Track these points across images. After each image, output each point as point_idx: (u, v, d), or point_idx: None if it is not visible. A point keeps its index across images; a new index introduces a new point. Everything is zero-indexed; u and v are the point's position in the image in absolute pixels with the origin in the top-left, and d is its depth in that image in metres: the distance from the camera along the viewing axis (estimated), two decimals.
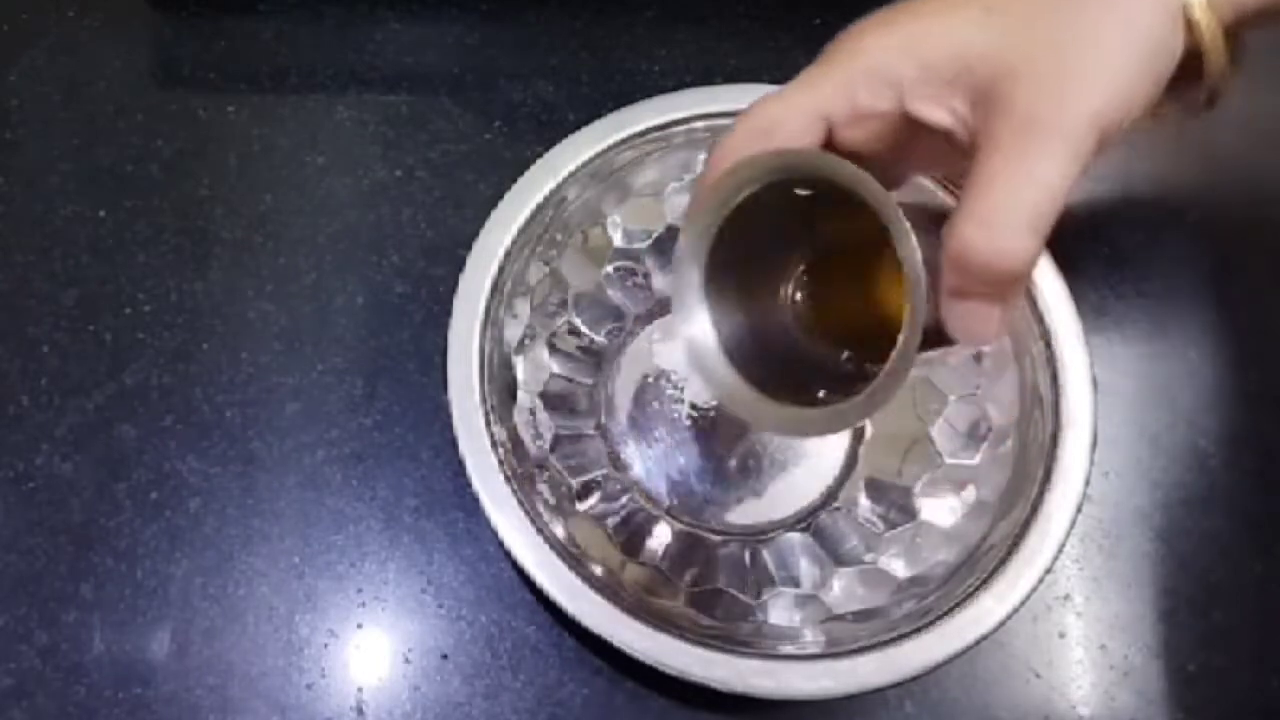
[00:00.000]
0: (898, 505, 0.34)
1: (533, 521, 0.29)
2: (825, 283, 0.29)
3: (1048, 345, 0.32)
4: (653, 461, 0.36)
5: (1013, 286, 0.22)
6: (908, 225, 0.21)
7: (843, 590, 0.33)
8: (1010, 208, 0.21)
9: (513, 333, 0.34)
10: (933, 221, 0.22)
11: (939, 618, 0.29)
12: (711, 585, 0.33)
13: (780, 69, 0.26)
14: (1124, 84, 0.22)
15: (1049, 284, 0.32)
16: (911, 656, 0.28)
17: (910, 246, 0.21)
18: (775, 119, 0.24)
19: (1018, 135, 0.22)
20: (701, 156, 0.36)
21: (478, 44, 0.43)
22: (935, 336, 0.23)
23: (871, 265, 0.26)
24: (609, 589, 0.29)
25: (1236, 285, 0.39)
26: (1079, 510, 0.30)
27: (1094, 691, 0.34)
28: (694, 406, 0.36)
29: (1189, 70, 0.24)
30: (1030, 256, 0.22)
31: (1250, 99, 0.41)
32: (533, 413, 0.34)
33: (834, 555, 0.33)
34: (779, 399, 0.25)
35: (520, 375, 0.34)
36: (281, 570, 0.35)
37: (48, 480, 0.36)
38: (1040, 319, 0.32)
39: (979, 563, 0.30)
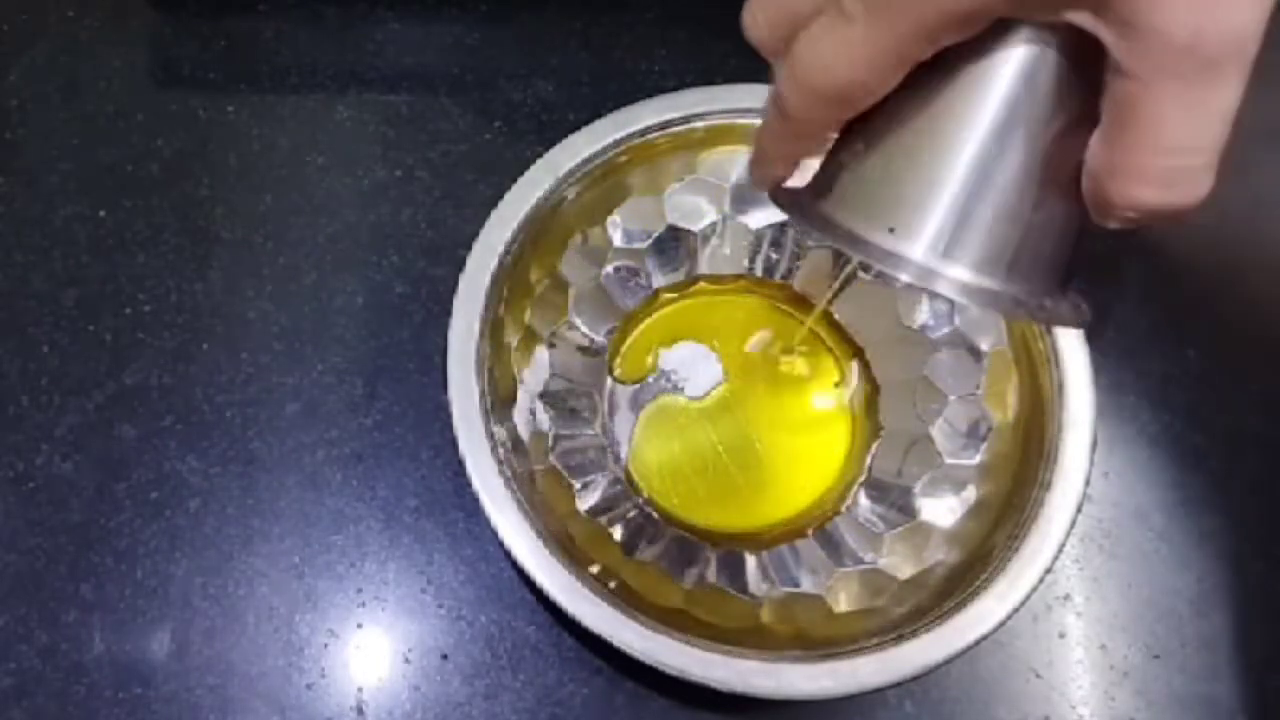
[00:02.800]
0: (898, 505, 0.34)
1: (532, 522, 0.29)
2: None
3: (1048, 345, 0.32)
4: None
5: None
6: None
7: (843, 591, 0.33)
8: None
9: (513, 333, 0.34)
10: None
11: (939, 618, 0.29)
12: (711, 585, 0.33)
13: None
14: None
15: None
16: (911, 656, 0.28)
17: None
18: (853, 82, 0.20)
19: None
20: (702, 156, 0.36)
21: (478, 44, 0.43)
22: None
23: None
24: (609, 589, 0.29)
25: (1237, 285, 0.39)
26: (1079, 510, 0.30)
27: (1094, 691, 0.34)
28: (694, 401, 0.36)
29: None
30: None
31: (1250, 99, 0.41)
32: (533, 413, 0.34)
33: (834, 555, 0.33)
34: None
35: (520, 375, 0.34)
36: (281, 570, 0.35)
37: (48, 480, 0.36)
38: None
39: (979, 563, 0.30)
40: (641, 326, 0.38)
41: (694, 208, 0.37)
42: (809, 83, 0.21)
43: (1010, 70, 0.20)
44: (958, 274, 0.21)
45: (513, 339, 0.34)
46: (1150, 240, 0.40)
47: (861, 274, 0.35)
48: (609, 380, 0.37)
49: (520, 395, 0.33)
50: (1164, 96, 0.18)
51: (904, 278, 0.21)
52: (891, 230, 0.21)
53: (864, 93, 0.20)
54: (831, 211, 0.22)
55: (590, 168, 0.34)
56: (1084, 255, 0.22)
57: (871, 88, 0.20)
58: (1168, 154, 0.18)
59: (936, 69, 0.20)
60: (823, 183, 0.23)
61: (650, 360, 0.37)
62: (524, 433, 0.33)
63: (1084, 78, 0.19)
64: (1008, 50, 0.19)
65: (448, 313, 0.32)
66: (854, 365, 0.37)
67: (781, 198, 0.24)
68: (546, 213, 0.34)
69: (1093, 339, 0.32)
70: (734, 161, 0.36)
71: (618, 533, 0.33)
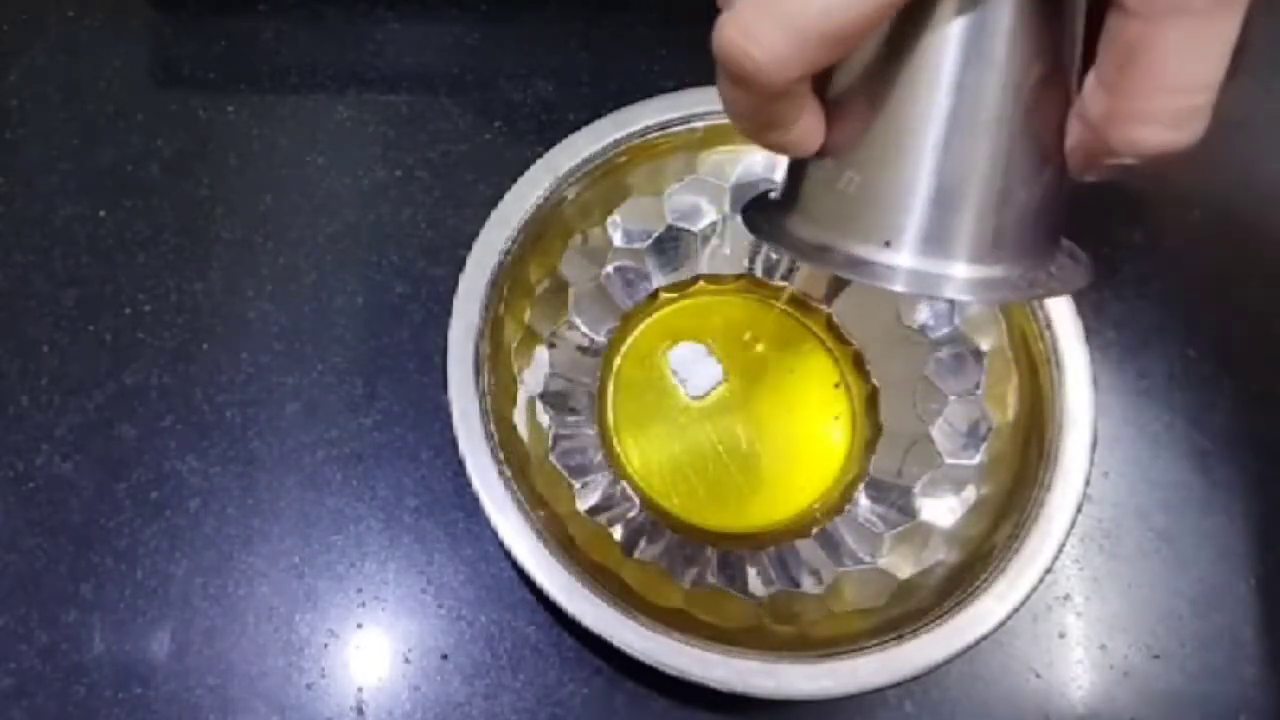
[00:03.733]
0: (898, 505, 0.34)
1: (532, 522, 0.29)
2: None
3: (1048, 345, 0.32)
4: None
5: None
6: None
7: (843, 591, 0.33)
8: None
9: (513, 333, 0.34)
10: None
11: (939, 618, 0.29)
12: (711, 585, 0.33)
13: None
14: None
15: None
16: (911, 656, 0.28)
17: None
18: (849, 19, 0.18)
19: None
20: (702, 156, 0.36)
21: (478, 44, 0.43)
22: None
23: None
24: (609, 589, 0.29)
25: (1237, 285, 0.39)
26: (1079, 510, 0.30)
27: (1094, 691, 0.34)
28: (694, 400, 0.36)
29: None
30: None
31: (1251, 99, 0.41)
32: (533, 413, 0.34)
33: (834, 556, 0.33)
34: None
35: (520, 375, 0.34)
36: (281, 570, 0.35)
37: (48, 480, 0.36)
38: (1040, 319, 0.32)
39: (979, 563, 0.30)
40: (641, 326, 0.38)
41: (694, 208, 0.37)
42: (796, 24, 0.18)
43: (966, 38, 0.19)
44: (958, 272, 0.20)
45: (513, 339, 0.34)
46: (1150, 240, 0.40)
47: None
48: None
49: (520, 395, 0.33)
50: (1174, 34, 0.17)
51: (900, 289, 0.20)
52: (888, 244, 0.20)
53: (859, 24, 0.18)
54: (820, 235, 0.22)
55: (590, 168, 0.34)
56: (1068, 211, 0.22)
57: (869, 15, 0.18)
58: (1179, 94, 0.18)
59: (891, 60, 0.19)
60: (800, 204, 0.22)
61: (658, 358, 0.37)
62: (524, 433, 0.33)
63: (1050, 31, 0.19)
64: (962, 17, 0.19)
65: (448, 313, 0.32)
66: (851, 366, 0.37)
67: (763, 227, 0.23)
68: (546, 213, 0.34)
69: (1092, 338, 0.32)
70: (734, 161, 0.36)
71: (618, 533, 0.33)
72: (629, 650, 0.28)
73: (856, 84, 0.20)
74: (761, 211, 0.24)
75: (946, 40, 0.19)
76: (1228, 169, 0.41)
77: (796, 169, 0.22)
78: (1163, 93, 0.18)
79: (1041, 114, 0.20)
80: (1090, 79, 0.19)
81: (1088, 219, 0.40)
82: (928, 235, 0.20)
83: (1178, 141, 0.18)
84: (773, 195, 0.24)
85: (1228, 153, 0.41)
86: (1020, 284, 0.21)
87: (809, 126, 0.21)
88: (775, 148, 0.21)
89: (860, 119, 0.20)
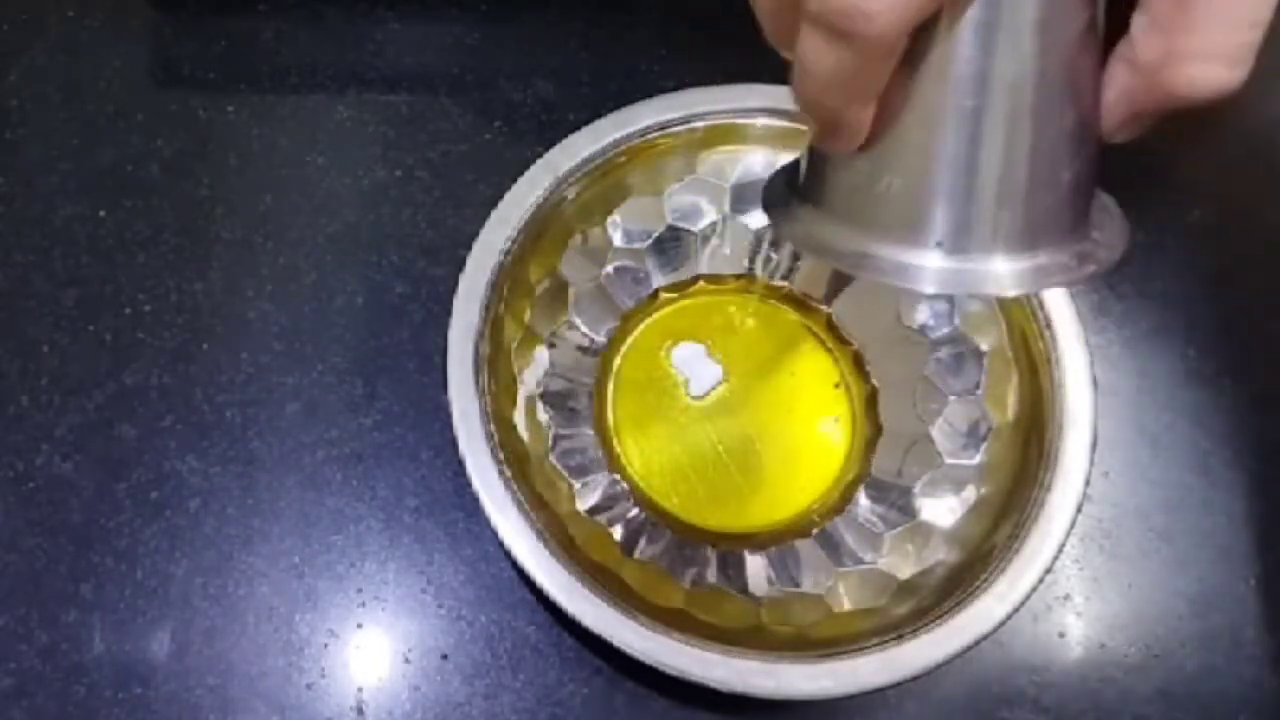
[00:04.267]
0: (898, 505, 0.34)
1: (532, 522, 0.29)
2: None
3: (1048, 345, 0.32)
4: None
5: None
6: None
7: (843, 591, 0.33)
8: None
9: (513, 333, 0.34)
10: None
11: (939, 618, 0.29)
12: (711, 585, 0.33)
13: (780, 69, 0.26)
14: None
15: None
16: (911, 656, 0.28)
17: None
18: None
19: None
20: (702, 156, 0.36)
21: (478, 44, 0.43)
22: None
23: None
24: (609, 589, 0.29)
25: (1237, 285, 0.39)
26: (1079, 510, 0.30)
27: (1094, 691, 0.34)
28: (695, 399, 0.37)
29: None
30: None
31: (1251, 99, 0.41)
32: (533, 413, 0.34)
33: (834, 555, 0.33)
34: None
35: (520, 375, 0.34)
36: (281, 570, 0.35)
37: (48, 480, 0.36)
38: (1040, 319, 0.32)
39: (979, 563, 0.30)
40: (641, 326, 0.38)
41: (694, 208, 0.37)
42: None
43: (993, 33, 0.19)
44: (1009, 266, 0.20)
45: (513, 339, 0.34)
46: (1151, 240, 0.40)
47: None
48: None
49: (520, 395, 0.33)
50: None
51: (953, 291, 0.20)
52: (938, 244, 0.20)
53: None
54: (859, 241, 0.21)
55: (590, 168, 0.34)
56: (1101, 172, 0.21)
57: None
58: (1239, 28, 0.18)
59: (924, 58, 0.19)
60: (834, 209, 0.22)
61: (658, 358, 0.37)
62: (524, 433, 0.33)
63: (1080, 10, 0.18)
64: (990, 11, 0.18)
65: (448, 313, 0.32)
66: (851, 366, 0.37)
67: (798, 235, 0.23)
68: (546, 213, 0.34)
69: (1092, 338, 0.32)
70: (734, 161, 0.36)
71: (618, 533, 0.33)
72: (629, 650, 0.28)
73: (891, 82, 0.20)
74: (791, 220, 0.23)
75: (976, 36, 0.18)
76: (1227, 169, 0.41)
77: (824, 173, 0.22)
78: (1224, 27, 0.18)
79: (1077, 89, 0.19)
80: (1140, 22, 0.19)
81: None
82: (975, 233, 0.20)
83: (1232, 81, 0.18)
84: (797, 203, 0.23)
85: (1227, 152, 0.41)
86: (1071, 265, 0.20)
87: (872, 111, 0.20)
88: (839, 132, 0.20)
89: (895, 118, 0.20)
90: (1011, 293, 0.20)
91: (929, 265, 0.20)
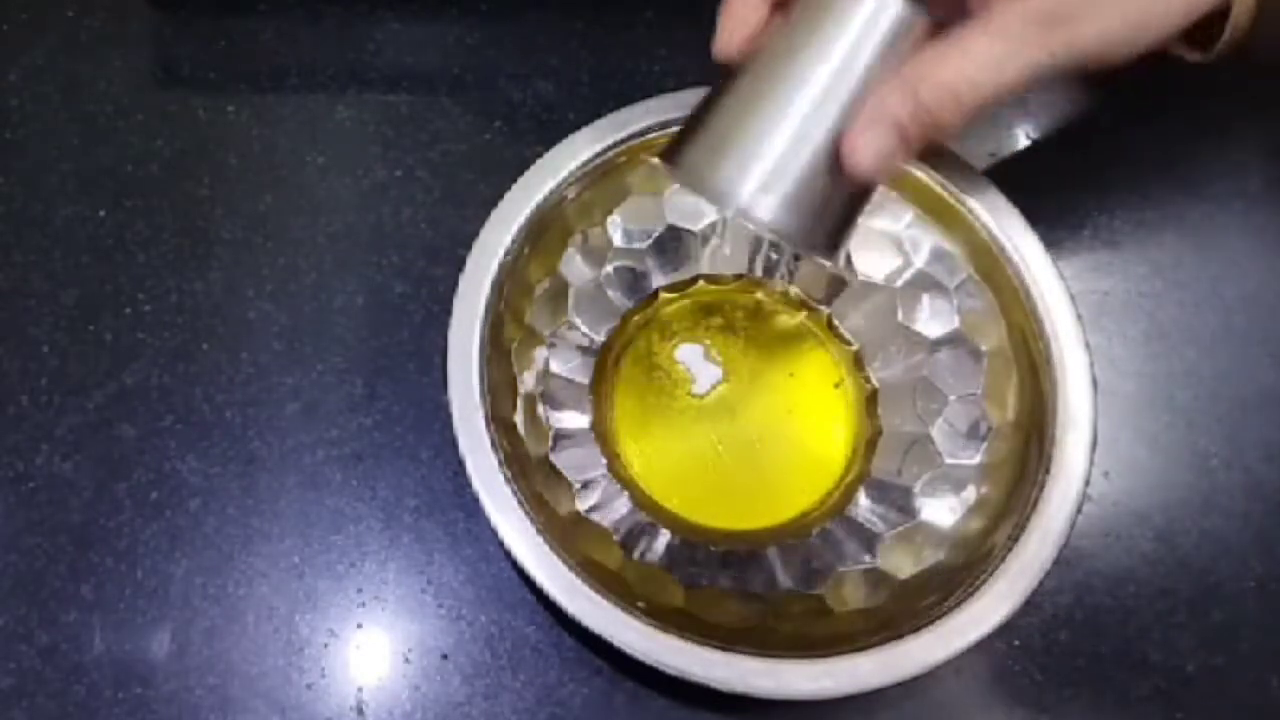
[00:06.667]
0: (898, 505, 0.34)
1: (532, 522, 0.29)
2: None
3: (1048, 345, 0.32)
4: None
5: (912, 132, 0.26)
6: None
7: (843, 591, 0.33)
8: (944, 69, 0.25)
9: (513, 333, 0.34)
10: None
11: (939, 618, 0.29)
12: (711, 585, 0.33)
13: None
14: (1114, 16, 0.25)
15: (1049, 284, 0.32)
16: (911, 656, 0.28)
17: None
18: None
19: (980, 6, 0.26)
20: None
21: (478, 44, 0.43)
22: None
23: None
24: (609, 589, 0.29)
25: (1237, 285, 0.39)
26: (1079, 510, 0.30)
27: (1094, 691, 0.34)
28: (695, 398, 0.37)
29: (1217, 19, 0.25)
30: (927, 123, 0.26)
31: (1244, 106, 0.41)
32: (533, 413, 0.34)
33: (834, 555, 0.33)
34: None
35: (520, 375, 0.34)
36: (281, 570, 0.35)
37: (48, 480, 0.36)
38: (1040, 319, 0.32)
39: (979, 563, 0.30)
40: (641, 327, 0.38)
41: (694, 208, 0.37)
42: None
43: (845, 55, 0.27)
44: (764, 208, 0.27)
45: (513, 339, 0.34)
46: (1150, 240, 0.40)
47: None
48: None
49: (520, 395, 0.33)
50: None
51: (727, 211, 0.28)
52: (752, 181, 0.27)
53: None
54: (696, 162, 0.28)
55: (590, 168, 0.34)
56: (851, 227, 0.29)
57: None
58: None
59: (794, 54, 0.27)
60: (692, 141, 0.29)
61: (658, 358, 0.37)
62: (524, 433, 0.33)
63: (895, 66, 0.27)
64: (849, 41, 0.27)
65: (448, 313, 0.32)
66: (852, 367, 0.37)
67: (677, 175, 0.29)
68: (546, 213, 0.34)
69: (1092, 338, 0.32)
70: None
71: (618, 533, 0.33)
72: (629, 650, 0.28)
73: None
74: (674, 167, 0.29)
75: (836, 47, 0.27)
76: (1225, 169, 0.41)
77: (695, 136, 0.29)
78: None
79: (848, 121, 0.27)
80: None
81: (1089, 219, 0.40)
82: (760, 184, 0.27)
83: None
84: (679, 157, 0.29)
85: (1226, 153, 0.41)
86: (796, 237, 0.28)
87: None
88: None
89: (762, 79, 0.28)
90: (751, 221, 0.27)
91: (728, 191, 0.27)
